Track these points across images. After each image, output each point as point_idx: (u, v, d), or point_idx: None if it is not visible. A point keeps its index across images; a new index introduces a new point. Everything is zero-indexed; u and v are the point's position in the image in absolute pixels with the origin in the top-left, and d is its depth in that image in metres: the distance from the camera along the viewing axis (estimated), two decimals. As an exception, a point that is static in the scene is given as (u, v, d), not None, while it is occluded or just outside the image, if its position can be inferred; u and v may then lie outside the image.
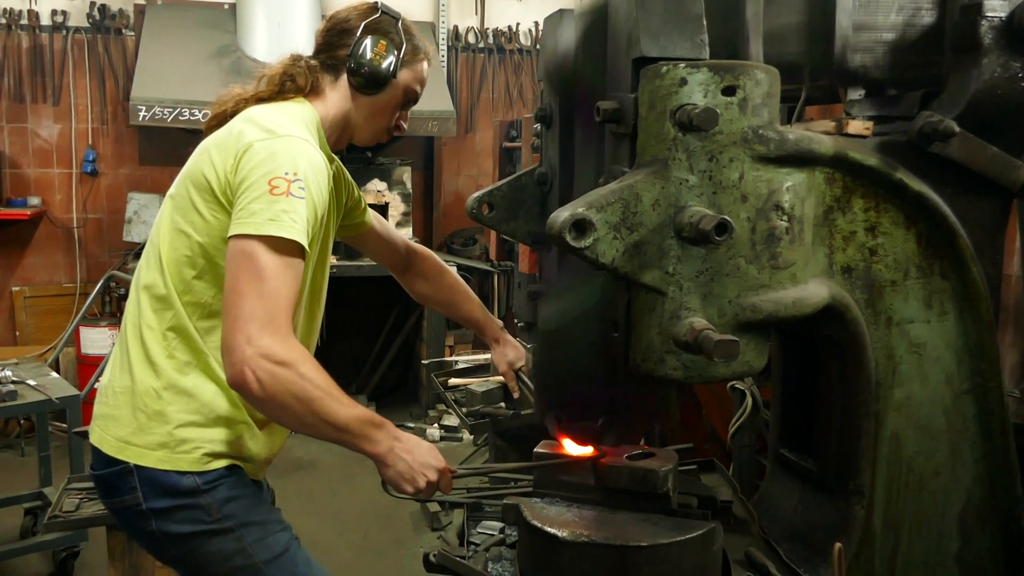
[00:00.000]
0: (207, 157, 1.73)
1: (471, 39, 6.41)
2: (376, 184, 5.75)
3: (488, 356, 2.95)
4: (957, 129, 1.57)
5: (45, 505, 3.82)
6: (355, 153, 5.46)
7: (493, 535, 1.89)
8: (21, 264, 6.01)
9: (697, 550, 1.52)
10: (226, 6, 5.98)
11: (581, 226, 1.31)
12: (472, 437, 5.24)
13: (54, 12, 5.81)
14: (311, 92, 1.87)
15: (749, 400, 2.72)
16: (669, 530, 1.53)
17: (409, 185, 5.89)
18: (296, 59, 1.89)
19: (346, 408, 1.62)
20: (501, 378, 2.55)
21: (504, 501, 1.72)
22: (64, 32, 5.84)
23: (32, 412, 3.97)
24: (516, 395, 2.28)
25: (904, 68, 1.71)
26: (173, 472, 1.72)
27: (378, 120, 1.90)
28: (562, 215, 1.32)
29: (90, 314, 5.45)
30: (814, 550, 1.70)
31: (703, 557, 1.55)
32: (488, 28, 6.44)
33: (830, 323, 1.57)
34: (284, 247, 1.60)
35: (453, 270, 2.43)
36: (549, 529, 1.52)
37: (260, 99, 1.83)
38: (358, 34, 1.85)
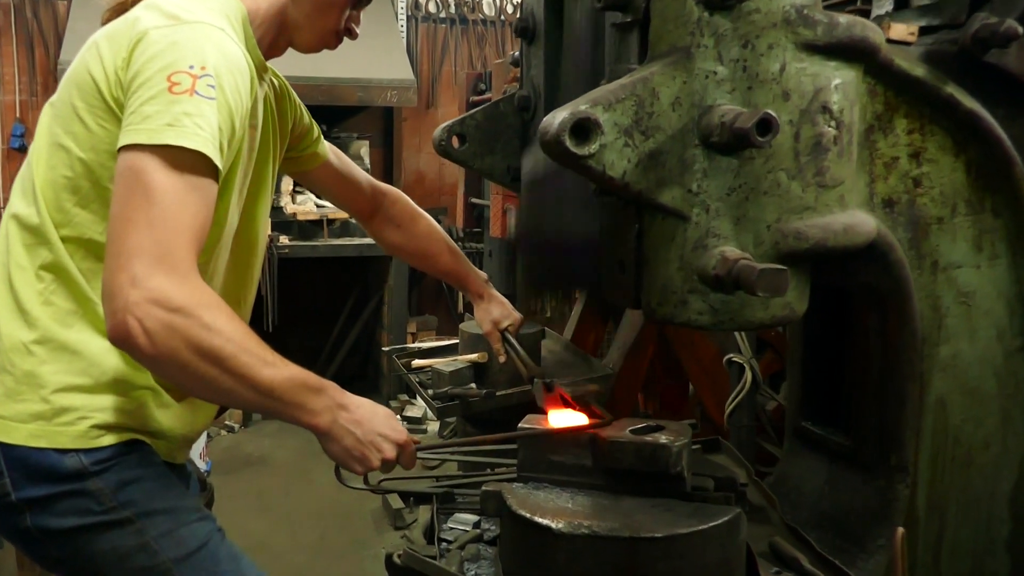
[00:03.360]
0: (95, 52, 1.41)
1: (432, 8, 6.21)
2: (332, 159, 5.46)
3: (455, 340, 2.67)
4: (1022, 30, 1.39)
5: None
6: None
7: (467, 531, 1.67)
8: (-57, 250, 5.63)
9: (722, 541, 1.35)
10: (165, -30, 5.65)
11: (584, 128, 1.09)
12: (437, 429, 5.00)
13: (-22, -24, 5.47)
14: None
15: (748, 374, 2.48)
16: (687, 518, 1.35)
17: (368, 161, 5.66)
18: None
19: (271, 368, 1.31)
20: (471, 357, 2.35)
21: (483, 488, 1.48)
22: (-12, -3, 5.55)
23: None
24: (502, 358, 2.07)
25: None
26: (51, 450, 1.38)
27: (323, 20, 1.58)
28: (560, 115, 1.11)
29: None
30: (849, 538, 1.54)
31: (728, 549, 1.36)
32: (450, -2, 6.24)
33: (869, 267, 1.42)
34: (186, 161, 1.28)
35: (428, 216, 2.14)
36: (540, 519, 1.33)
37: None
38: None
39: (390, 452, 1.42)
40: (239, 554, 1.51)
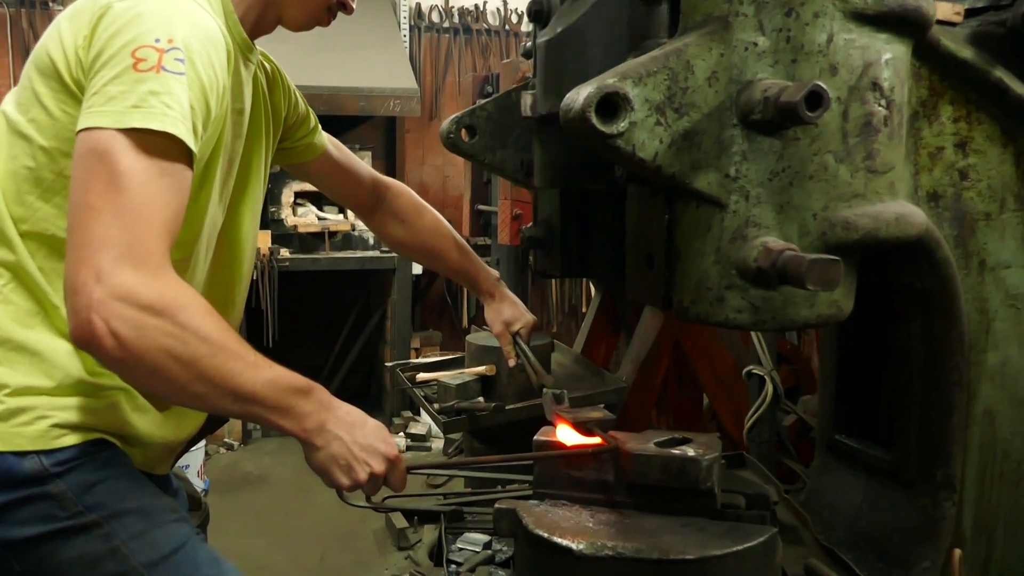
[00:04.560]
0: (55, 33, 1.31)
1: (435, 18, 6.12)
2: (333, 171, 5.39)
3: (461, 354, 2.58)
4: (1077, 10, 1.33)
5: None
6: None
7: (477, 552, 1.59)
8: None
9: (757, 563, 1.29)
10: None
11: (612, 104, 0.99)
12: (443, 446, 4.91)
13: (-28, -15, 5.40)
14: None
15: (769, 387, 2.39)
16: (720, 538, 1.27)
17: (370, 172, 5.55)
18: None
19: (252, 368, 1.21)
20: (479, 370, 2.28)
21: (496, 505, 1.40)
22: (-16, 6, 5.47)
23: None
24: (512, 361, 1.98)
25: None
26: (7, 453, 1.27)
27: None
28: (585, 90, 1.02)
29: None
30: (890, 559, 1.46)
31: (763, 572, 1.29)
32: (453, 6, 6.14)
33: (913, 265, 1.34)
34: (155, 144, 1.18)
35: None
36: (559, 540, 1.25)
37: None
38: None
39: (379, 466, 1.30)
40: (220, 558, 1.39)
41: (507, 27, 6.17)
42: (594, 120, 0.97)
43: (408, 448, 5.18)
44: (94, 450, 1.31)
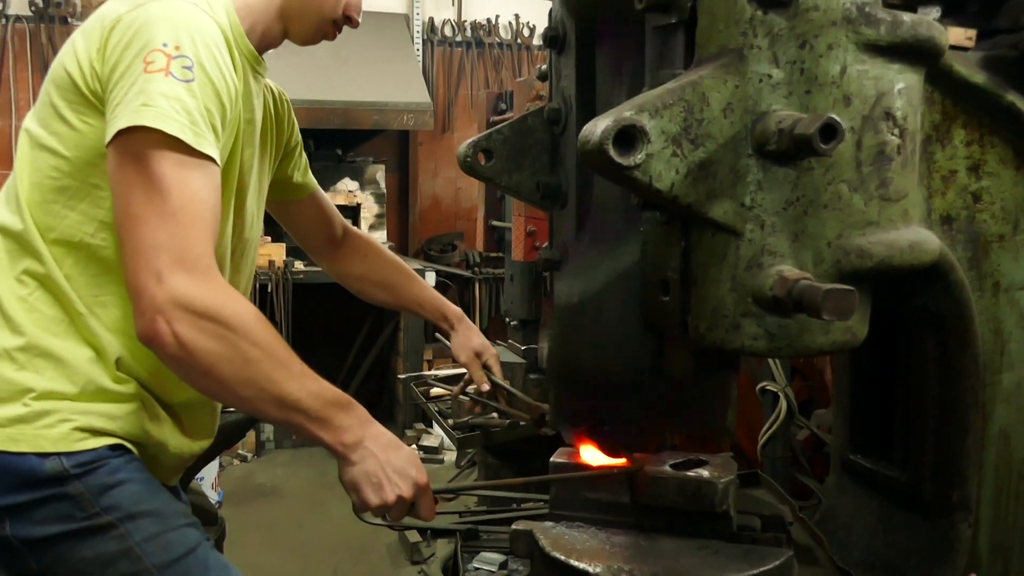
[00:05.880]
0: (71, 49, 1.36)
1: (448, 32, 6.17)
2: (347, 183, 5.45)
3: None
4: (1089, 36, 1.35)
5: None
6: (323, 150, 5.22)
7: (493, 572, 1.59)
8: (-44, 276, 5.62)
9: None
10: (181, -7, 5.67)
11: (629, 136, 1.00)
12: (455, 458, 4.90)
13: (-7, 0, 5.50)
14: None
15: (783, 404, 2.39)
16: (736, 561, 1.29)
17: (383, 185, 5.62)
18: None
19: (298, 379, 1.27)
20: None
21: (513, 526, 1.42)
22: (4, 21, 5.49)
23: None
24: (485, 387, 1.94)
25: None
26: (31, 454, 1.31)
27: (319, 8, 1.52)
28: (602, 122, 1.02)
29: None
30: None
31: None
32: (466, 20, 6.20)
33: (927, 288, 1.35)
34: (181, 145, 1.24)
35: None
36: (576, 563, 1.26)
37: None
38: None
39: (408, 491, 1.34)
40: (228, 564, 1.43)
41: (519, 41, 6.20)
42: (611, 152, 0.98)
43: (421, 460, 5.23)
44: (112, 454, 1.35)
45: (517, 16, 6.23)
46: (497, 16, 6.21)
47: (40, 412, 1.32)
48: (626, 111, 1.00)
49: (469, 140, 1.58)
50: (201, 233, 1.23)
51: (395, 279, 2.00)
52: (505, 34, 6.25)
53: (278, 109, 1.68)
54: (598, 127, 1.00)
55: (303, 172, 1.85)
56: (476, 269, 5.71)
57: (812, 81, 1.05)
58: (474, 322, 4.60)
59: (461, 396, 2.03)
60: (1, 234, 1.39)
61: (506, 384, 1.96)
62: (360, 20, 1.56)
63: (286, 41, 1.59)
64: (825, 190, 1.07)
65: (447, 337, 2.02)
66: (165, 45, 1.24)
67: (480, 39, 6.18)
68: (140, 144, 1.22)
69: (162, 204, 1.21)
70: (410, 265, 2.16)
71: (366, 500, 1.33)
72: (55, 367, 1.34)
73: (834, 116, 0.97)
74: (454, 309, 2.01)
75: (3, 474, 1.31)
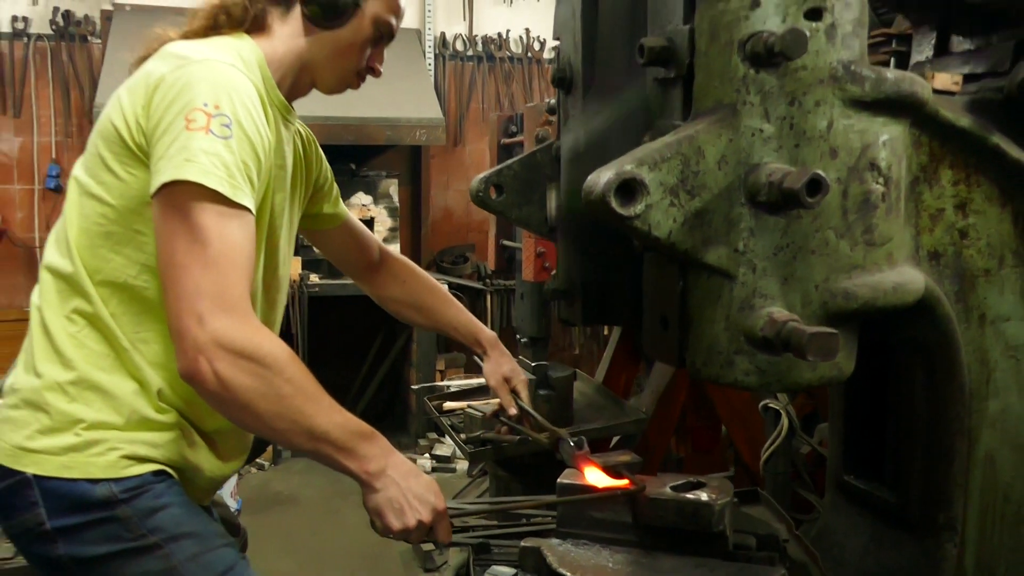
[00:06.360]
0: (117, 104, 1.45)
1: (459, 46, 6.22)
2: (361, 198, 5.50)
3: (484, 380, 2.64)
4: (1069, 81, 1.37)
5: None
6: (337, 165, 5.16)
7: None
8: (-22, 287, 5.69)
9: None
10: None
11: (630, 188, 1.06)
12: (467, 468, 4.95)
13: (15, 19, 5.54)
14: (254, 28, 1.57)
15: (784, 420, 2.43)
16: None
17: (396, 199, 5.66)
18: None
19: (326, 412, 1.36)
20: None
21: (522, 543, 1.47)
22: (25, 40, 5.57)
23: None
24: (513, 411, 2.00)
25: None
26: (82, 480, 1.41)
27: (344, 61, 1.60)
28: (605, 175, 1.07)
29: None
30: None
31: None
32: (477, 35, 6.25)
33: (917, 321, 1.37)
34: (219, 198, 1.33)
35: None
36: None
37: (188, 38, 1.54)
38: None
39: (427, 516, 1.42)
40: None
41: (530, 55, 6.24)
42: (613, 203, 1.04)
43: (433, 469, 5.21)
44: (155, 480, 1.44)
45: (528, 30, 6.26)
46: (508, 31, 6.25)
47: (90, 441, 1.40)
48: (627, 164, 1.06)
49: (480, 176, 1.66)
50: (238, 278, 1.31)
51: (431, 303, 2.06)
52: (516, 48, 6.28)
53: (307, 150, 1.76)
54: (601, 179, 1.05)
55: (333, 203, 1.92)
56: (487, 281, 5.75)
57: (801, 135, 1.10)
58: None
59: (494, 418, 2.08)
60: (53, 275, 1.47)
61: (531, 410, 2.00)
62: (383, 70, 1.64)
63: None
64: (813, 237, 1.12)
65: (481, 360, 2.08)
66: (206, 104, 1.32)
67: (491, 53, 6.22)
68: (183, 196, 1.30)
69: (203, 252, 1.29)
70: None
71: (389, 524, 1.41)
72: (103, 399, 1.43)
73: (819, 172, 1.02)
74: (488, 335, 2.06)
75: (57, 498, 1.40)
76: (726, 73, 1.11)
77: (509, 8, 6.22)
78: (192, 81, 1.35)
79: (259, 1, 1.55)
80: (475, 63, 6.24)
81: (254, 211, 1.37)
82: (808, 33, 1.08)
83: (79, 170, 1.49)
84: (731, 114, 1.11)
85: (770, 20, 1.09)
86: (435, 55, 6.13)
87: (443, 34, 6.18)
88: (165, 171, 1.31)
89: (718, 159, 1.10)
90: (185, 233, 1.30)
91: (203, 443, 1.52)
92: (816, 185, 1.03)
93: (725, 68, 1.11)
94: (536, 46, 6.27)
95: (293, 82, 1.59)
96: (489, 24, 6.25)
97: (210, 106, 1.33)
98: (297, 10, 1.56)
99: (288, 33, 1.56)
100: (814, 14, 1.09)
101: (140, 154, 1.39)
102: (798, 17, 1.09)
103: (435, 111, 5.44)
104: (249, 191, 1.35)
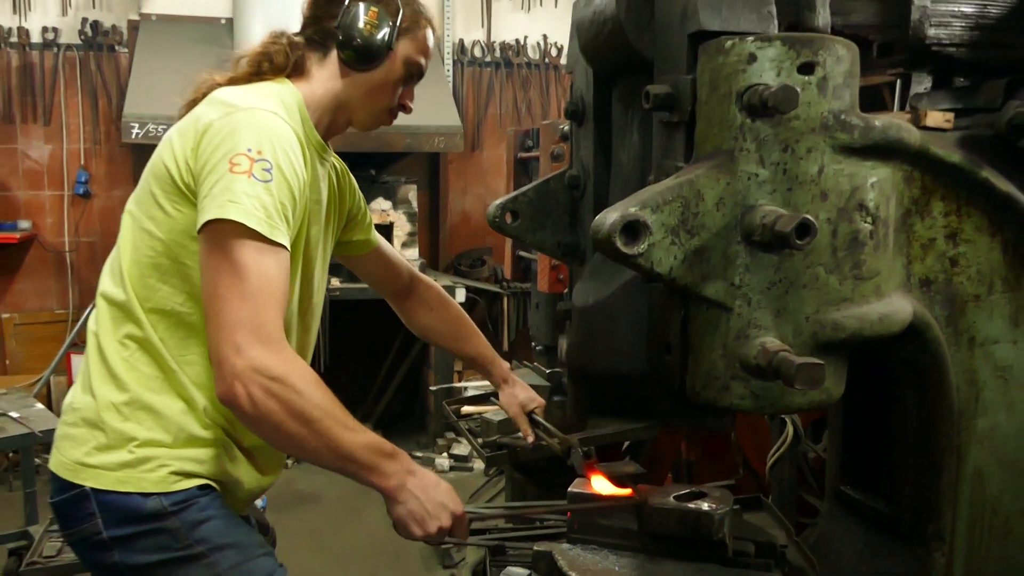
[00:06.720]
0: (168, 146, 1.57)
1: (477, 53, 6.29)
2: (380, 203, 5.57)
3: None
4: (1055, 120, 1.41)
5: (31, 545, 3.59)
6: (358, 171, 5.19)
7: None
8: (10, 290, 5.80)
9: None
10: (223, 20, 5.82)
11: (634, 229, 1.14)
12: (484, 467, 5.02)
13: (45, 29, 5.67)
14: (295, 72, 1.68)
15: (790, 429, 2.51)
16: None
17: (415, 204, 5.73)
18: (277, 36, 1.70)
19: (351, 433, 1.46)
20: None
21: (534, 547, 1.56)
22: (55, 49, 5.68)
23: (15, 446, 3.74)
24: (530, 439, 2.07)
25: (987, 47, 1.54)
26: (135, 494, 1.53)
27: (377, 100, 1.70)
28: (611, 216, 1.15)
29: (80, 340, 5.23)
30: None
31: None
32: (495, 41, 6.31)
33: (908, 344, 1.42)
34: (258, 236, 1.43)
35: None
36: None
37: (234, 83, 1.65)
38: (347, 1, 1.65)
39: (447, 521, 1.52)
40: None
41: (547, 60, 6.29)
42: (618, 243, 1.12)
43: (451, 468, 5.29)
44: (201, 494, 1.56)
45: (545, 36, 6.31)
46: (525, 37, 6.30)
47: (143, 458, 1.52)
48: (631, 207, 1.13)
49: (497, 202, 1.75)
50: (274, 310, 1.41)
51: (456, 333, 2.18)
52: (533, 54, 6.32)
53: (341, 182, 1.86)
54: (607, 220, 1.13)
55: (366, 231, 2.02)
56: (505, 284, 5.80)
57: (793, 180, 1.17)
58: (502, 332, 4.71)
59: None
60: (107, 302, 1.59)
61: (551, 427, 2.05)
62: (413, 107, 1.75)
63: None
64: (804, 273, 1.19)
65: (497, 388, 2.18)
66: (249, 150, 1.43)
67: (509, 59, 6.27)
68: (226, 234, 1.41)
69: (242, 286, 1.39)
70: (440, 281, 2.33)
71: (411, 533, 1.52)
72: (153, 418, 1.54)
73: (808, 216, 1.09)
74: (502, 370, 2.16)
75: (113, 510, 1.52)
76: (725, 121, 1.19)
77: (527, 15, 6.28)
78: (238, 128, 1.46)
79: (299, 48, 1.66)
80: (493, 69, 6.30)
81: (289, 247, 1.47)
82: (800, 87, 1.16)
83: (132, 205, 1.61)
84: (729, 159, 1.18)
85: (766, 74, 1.17)
86: (453, 61, 6.20)
87: (461, 40, 6.24)
88: (210, 209, 1.41)
89: (716, 201, 1.17)
90: (227, 267, 1.41)
91: (243, 458, 1.63)
92: (805, 228, 1.10)
93: (724, 117, 1.19)
94: (553, 52, 6.33)
95: (330, 121, 1.70)
96: (507, 30, 6.30)
97: (253, 151, 1.43)
98: (334, 54, 1.66)
99: (325, 76, 1.66)
100: (807, 68, 1.17)
101: (188, 193, 1.50)
102: (792, 71, 1.16)
103: (454, 118, 5.50)
104: (285, 229, 1.45)
